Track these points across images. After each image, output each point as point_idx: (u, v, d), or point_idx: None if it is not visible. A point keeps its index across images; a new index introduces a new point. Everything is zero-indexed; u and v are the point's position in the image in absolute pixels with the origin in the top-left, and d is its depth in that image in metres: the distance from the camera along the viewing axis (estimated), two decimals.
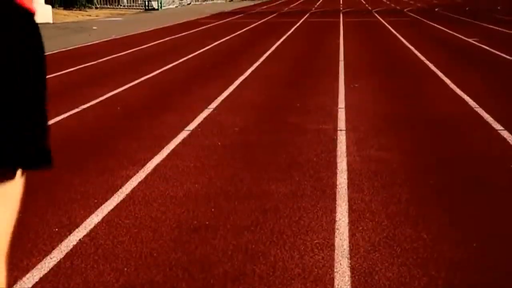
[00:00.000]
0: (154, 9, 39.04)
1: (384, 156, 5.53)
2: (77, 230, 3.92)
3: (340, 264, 3.41)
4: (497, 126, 6.55)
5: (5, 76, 1.31)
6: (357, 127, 6.63)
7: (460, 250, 3.57)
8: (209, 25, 23.80)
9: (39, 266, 3.45)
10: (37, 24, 1.39)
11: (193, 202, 4.40)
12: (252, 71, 11.09)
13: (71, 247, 3.67)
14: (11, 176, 1.38)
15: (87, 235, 3.84)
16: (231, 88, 9.19)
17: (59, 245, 3.69)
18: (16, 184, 1.41)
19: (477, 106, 7.58)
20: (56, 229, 3.94)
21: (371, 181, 4.84)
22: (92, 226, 3.98)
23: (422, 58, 12.55)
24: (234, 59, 12.98)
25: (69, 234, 3.85)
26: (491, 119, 6.86)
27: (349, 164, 5.27)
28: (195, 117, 7.20)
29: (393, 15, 28.90)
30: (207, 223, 3.99)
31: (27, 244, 3.72)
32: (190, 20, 27.04)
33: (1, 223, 1.43)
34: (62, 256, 3.56)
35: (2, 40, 1.31)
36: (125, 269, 3.38)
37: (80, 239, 3.77)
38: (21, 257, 3.54)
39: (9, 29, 1.32)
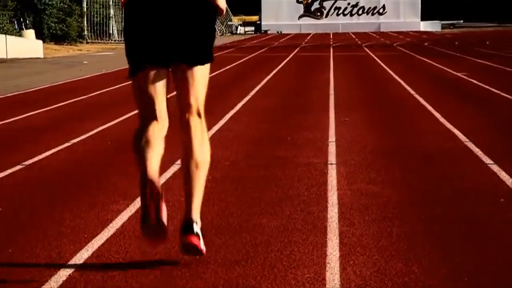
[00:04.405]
0: None
1: (375, 190, 5.53)
2: (67, 265, 3.90)
3: None
4: (487, 160, 6.57)
5: (206, 27, 3.73)
6: (348, 161, 6.64)
7: (450, 284, 3.56)
8: None
9: None
10: (214, 5, 3.72)
11: None
12: (242, 105, 11.12)
13: (61, 282, 3.64)
14: (209, 64, 3.86)
15: (77, 270, 3.82)
16: (222, 122, 9.21)
17: (49, 281, 3.66)
18: (208, 69, 3.83)
19: (467, 140, 7.60)
20: (46, 264, 3.91)
21: (362, 215, 4.84)
22: (82, 261, 3.95)
23: (412, 92, 12.61)
24: (224, 93, 13.01)
25: (59, 269, 3.82)
26: (481, 153, 6.89)
27: (339, 198, 5.28)
28: None
29: (383, 49, 29.10)
30: (197, 257, 3.97)
31: (16, 279, 3.70)
32: None
33: (201, 89, 4.11)
34: None
35: (202, 13, 3.69)
36: None
37: (69, 274, 3.74)
38: None
39: (204, 8, 3.70)
